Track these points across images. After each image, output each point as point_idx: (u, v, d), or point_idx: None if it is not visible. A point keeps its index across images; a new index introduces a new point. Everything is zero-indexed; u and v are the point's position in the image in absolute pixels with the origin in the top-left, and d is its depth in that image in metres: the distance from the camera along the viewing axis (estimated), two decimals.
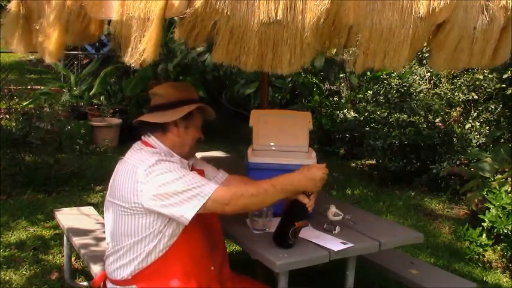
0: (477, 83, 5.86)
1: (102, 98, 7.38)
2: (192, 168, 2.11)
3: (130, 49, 1.62)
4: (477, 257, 3.81)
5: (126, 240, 1.92)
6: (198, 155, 3.94)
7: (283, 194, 1.95)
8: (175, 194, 1.81)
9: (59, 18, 1.73)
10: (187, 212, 1.81)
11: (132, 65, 1.63)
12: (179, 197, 1.81)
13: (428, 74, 6.42)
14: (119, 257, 1.96)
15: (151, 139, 2.02)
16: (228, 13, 1.59)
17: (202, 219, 1.92)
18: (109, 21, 1.79)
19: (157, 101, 2.07)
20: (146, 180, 1.83)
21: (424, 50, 4.89)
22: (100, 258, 2.37)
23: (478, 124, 5.60)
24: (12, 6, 1.99)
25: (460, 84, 6.04)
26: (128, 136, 6.06)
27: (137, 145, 2.03)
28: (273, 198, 1.94)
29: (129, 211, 1.88)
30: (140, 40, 1.60)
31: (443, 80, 6.35)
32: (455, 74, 6.24)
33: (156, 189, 1.82)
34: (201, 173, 2.15)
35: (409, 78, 6.15)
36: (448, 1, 1.72)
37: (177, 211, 1.82)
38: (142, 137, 2.05)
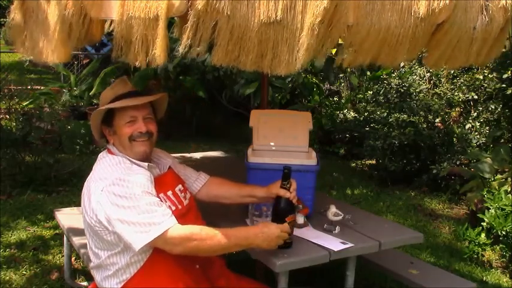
0: (477, 83, 5.85)
1: None
2: (169, 170, 2.10)
3: (134, 49, 1.62)
4: (476, 256, 3.81)
5: (103, 254, 1.91)
6: (197, 155, 3.95)
7: (236, 247, 1.91)
8: (128, 223, 1.77)
9: (61, 21, 1.73)
10: (135, 242, 1.77)
11: (138, 65, 1.63)
12: (130, 227, 1.76)
13: (428, 74, 6.42)
14: (102, 270, 1.95)
15: (110, 145, 2.03)
16: (229, 13, 1.60)
17: (181, 220, 1.87)
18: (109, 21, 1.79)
19: None
20: (103, 201, 1.80)
21: (424, 50, 4.89)
22: None
23: (478, 124, 5.59)
24: (14, 7, 1.98)
25: (460, 84, 6.04)
26: None
27: (103, 153, 2.03)
28: (224, 249, 1.88)
29: (95, 227, 1.87)
30: (143, 41, 1.60)
31: (443, 80, 6.35)
32: (455, 74, 6.24)
33: (110, 211, 1.79)
34: (174, 177, 2.11)
35: (408, 78, 6.15)
36: (448, 1, 1.73)
37: (127, 238, 1.78)
38: (107, 144, 2.05)
